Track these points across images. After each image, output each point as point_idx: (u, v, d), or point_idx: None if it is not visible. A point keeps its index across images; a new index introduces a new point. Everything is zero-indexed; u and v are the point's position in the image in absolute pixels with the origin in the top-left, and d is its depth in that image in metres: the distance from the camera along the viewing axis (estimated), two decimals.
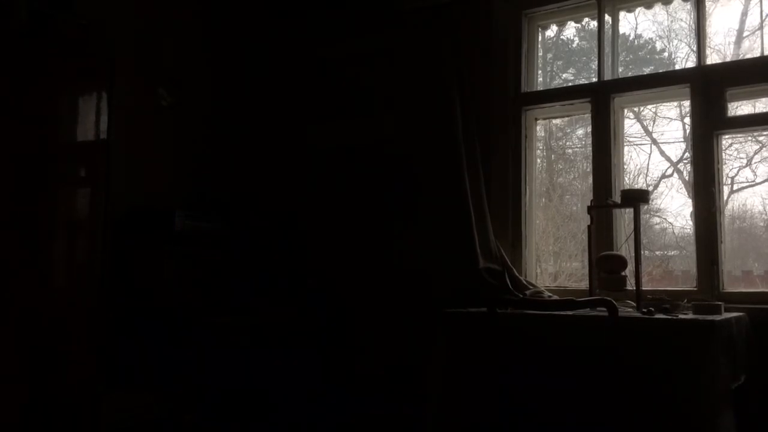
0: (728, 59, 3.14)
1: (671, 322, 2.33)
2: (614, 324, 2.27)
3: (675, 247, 3.36)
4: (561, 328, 2.45)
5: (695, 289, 2.91)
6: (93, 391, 2.62)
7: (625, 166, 3.30)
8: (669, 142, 3.48)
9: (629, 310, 2.65)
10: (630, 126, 3.46)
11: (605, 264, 2.86)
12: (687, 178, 3.27)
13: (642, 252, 2.84)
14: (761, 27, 3.06)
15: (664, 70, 3.23)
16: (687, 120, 3.23)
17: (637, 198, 2.84)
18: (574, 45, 3.77)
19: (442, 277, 3.29)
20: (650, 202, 3.06)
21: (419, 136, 3.47)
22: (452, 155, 3.29)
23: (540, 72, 3.55)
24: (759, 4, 3.08)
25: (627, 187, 3.22)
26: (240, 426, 3.19)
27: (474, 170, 3.28)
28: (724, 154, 3.02)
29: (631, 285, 2.81)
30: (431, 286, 3.31)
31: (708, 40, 3.09)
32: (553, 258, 3.48)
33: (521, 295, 3.06)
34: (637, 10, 3.39)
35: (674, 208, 3.39)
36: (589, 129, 3.27)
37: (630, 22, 3.50)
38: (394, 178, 3.55)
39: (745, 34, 3.20)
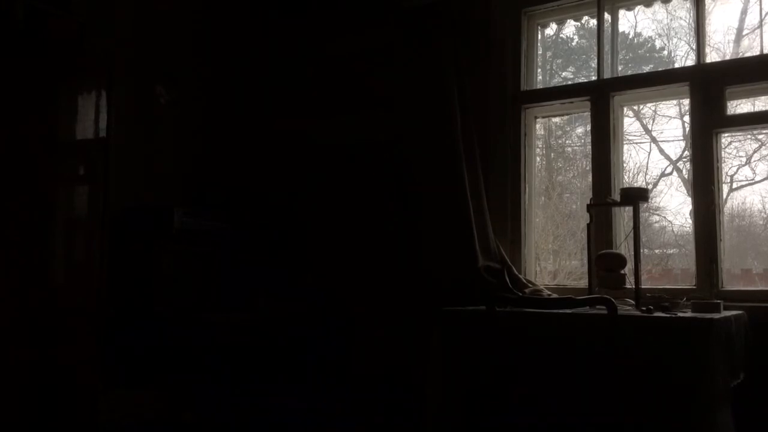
0: (728, 57, 3.14)
1: (670, 320, 2.32)
2: (613, 322, 2.27)
3: (674, 246, 3.36)
4: (560, 327, 2.45)
5: (694, 287, 2.91)
6: (92, 390, 2.62)
7: (625, 165, 3.30)
8: (668, 141, 3.48)
9: (628, 308, 2.65)
10: (629, 124, 3.46)
11: (604, 262, 2.86)
12: (686, 176, 3.27)
13: (641, 250, 2.84)
14: (761, 25, 3.05)
15: (664, 69, 3.23)
16: (686, 118, 3.23)
17: (637, 196, 2.84)
18: (574, 43, 3.77)
19: (441, 276, 3.29)
20: (649, 200, 3.06)
21: (418, 134, 3.46)
22: (451, 153, 3.28)
23: (539, 70, 3.55)
24: (758, 3, 3.08)
25: (626, 185, 3.22)
26: (239, 425, 3.19)
27: (473, 168, 3.28)
28: (723, 152, 3.01)
29: (630, 283, 2.81)
30: (430, 284, 3.30)
31: (707, 38, 3.09)
32: (552, 256, 3.48)
33: (520, 294, 3.06)
34: (637, 8, 3.38)
35: (673, 206, 3.40)
36: (589, 127, 3.27)
37: (629, 21, 3.50)
38: (392, 176, 3.55)
39: (745, 32, 3.20)
